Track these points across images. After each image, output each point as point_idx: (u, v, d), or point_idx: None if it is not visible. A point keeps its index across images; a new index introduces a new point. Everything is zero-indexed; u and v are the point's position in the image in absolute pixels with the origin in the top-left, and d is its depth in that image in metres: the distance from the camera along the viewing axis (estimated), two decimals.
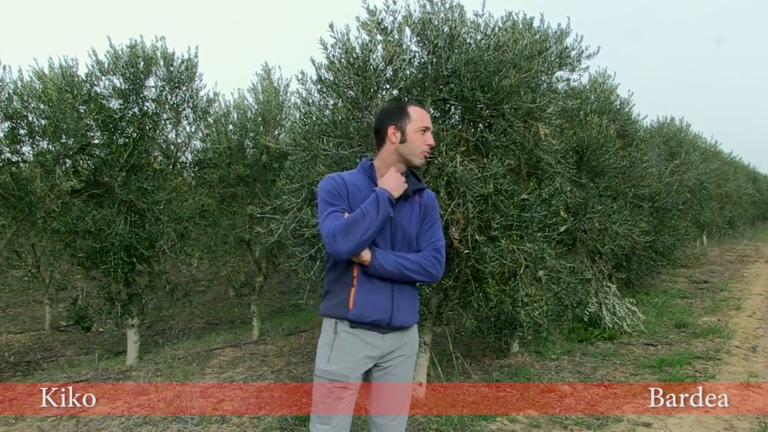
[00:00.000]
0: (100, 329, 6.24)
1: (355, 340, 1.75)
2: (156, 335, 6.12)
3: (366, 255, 1.71)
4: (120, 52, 4.39)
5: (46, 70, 4.21)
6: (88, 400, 3.74)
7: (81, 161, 4.28)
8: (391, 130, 1.81)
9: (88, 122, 4.14)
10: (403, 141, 1.80)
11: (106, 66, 4.36)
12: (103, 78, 4.39)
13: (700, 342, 4.98)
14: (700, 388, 3.72)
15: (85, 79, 4.29)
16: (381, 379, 1.83)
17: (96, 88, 4.36)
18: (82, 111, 4.14)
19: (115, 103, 4.44)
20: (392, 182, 1.77)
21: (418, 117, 1.82)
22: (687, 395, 3.58)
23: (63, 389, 3.94)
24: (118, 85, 4.43)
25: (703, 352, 4.61)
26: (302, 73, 3.13)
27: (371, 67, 2.95)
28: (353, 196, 1.77)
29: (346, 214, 1.72)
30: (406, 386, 1.86)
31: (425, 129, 1.82)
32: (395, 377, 1.83)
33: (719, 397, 3.55)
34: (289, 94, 5.44)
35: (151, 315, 6.52)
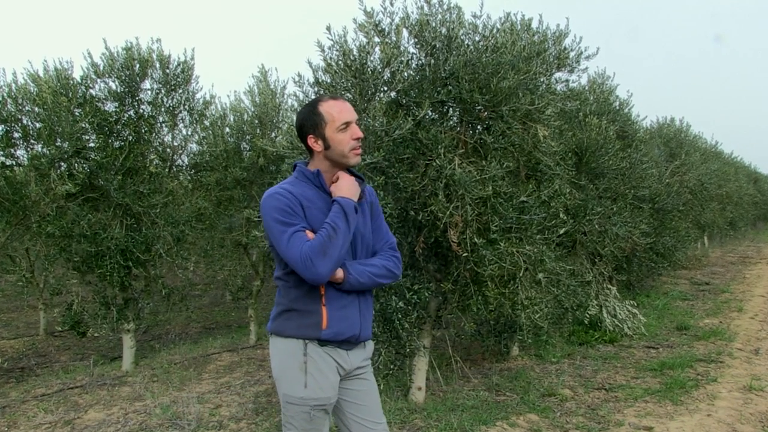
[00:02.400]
0: (96, 334, 6.21)
1: (327, 358, 1.67)
2: (152, 340, 6.10)
3: (339, 272, 1.62)
4: (116, 55, 4.39)
5: (41, 73, 4.21)
6: (84, 407, 3.73)
7: (76, 165, 4.28)
8: (311, 140, 1.67)
9: (84, 125, 4.14)
10: (327, 147, 1.66)
11: (101, 68, 4.37)
12: (99, 80, 4.40)
13: (701, 344, 4.98)
14: (702, 391, 3.73)
15: (80, 81, 4.30)
16: (354, 386, 1.76)
17: (91, 90, 4.37)
18: (77, 114, 4.14)
19: (110, 106, 4.45)
20: (349, 188, 1.65)
21: (335, 114, 1.65)
22: (689, 399, 3.59)
23: (58, 396, 3.93)
24: (114, 87, 4.43)
25: (705, 355, 4.62)
26: (299, 75, 3.14)
27: (369, 69, 2.96)
28: (308, 210, 1.62)
29: (309, 233, 1.59)
30: (376, 390, 1.83)
31: (346, 124, 1.65)
32: (369, 381, 1.79)
33: (721, 400, 3.56)
34: (285, 96, 5.45)
35: (147, 320, 6.51)
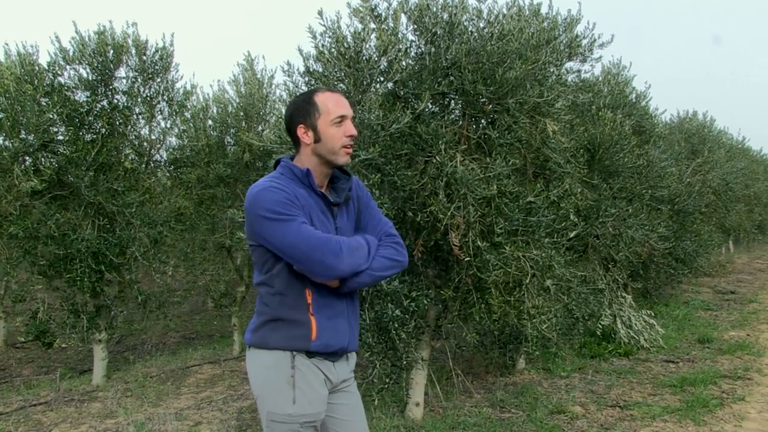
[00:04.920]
0: (63, 345, 6.23)
1: (315, 371, 1.68)
2: (126, 351, 6.11)
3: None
4: (87, 39, 4.41)
5: (2, 58, 4.23)
6: (48, 426, 3.74)
7: (43, 159, 4.29)
8: (300, 131, 1.68)
9: (51, 116, 4.15)
10: (317, 140, 1.67)
11: (71, 54, 4.38)
12: (68, 67, 4.41)
13: (726, 359, 5.00)
14: (728, 411, 3.74)
15: (47, 68, 4.31)
16: (340, 401, 1.77)
17: (60, 78, 4.39)
18: (43, 104, 4.15)
19: (81, 96, 4.46)
20: None
21: (331, 106, 1.66)
22: (713, 419, 3.61)
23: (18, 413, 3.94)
24: (85, 75, 4.45)
25: (731, 371, 4.63)
26: (288, 63, 3.17)
27: (364, 57, 2.99)
28: (302, 209, 1.63)
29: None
30: (362, 404, 1.85)
31: (341, 118, 1.67)
32: (354, 395, 1.81)
33: (750, 421, 3.56)
34: (274, 86, 5.48)
35: (121, 329, 6.51)
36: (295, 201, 1.61)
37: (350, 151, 1.72)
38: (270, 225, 1.59)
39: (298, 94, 3.21)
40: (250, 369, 1.73)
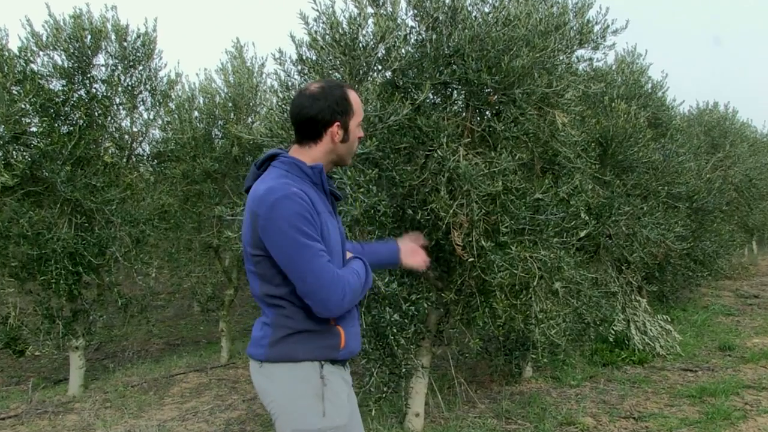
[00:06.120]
0: (37, 353, 6.22)
1: (339, 380, 1.74)
2: (105, 359, 6.12)
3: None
4: (62, 23, 4.41)
5: None
6: None
7: (14, 152, 4.30)
8: (335, 128, 1.70)
9: (23, 106, 4.16)
10: (345, 140, 1.73)
11: (44, 39, 4.38)
12: (41, 54, 4.42)
13: (749, 368, 5.01)
14: (752, 424, 3.75)
15: (17, 54, 4.30)
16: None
17: (32, 65, 4.39)
18: (14, 92, 4.16)
19: (56, 84, 4.47)
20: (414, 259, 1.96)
21: (358, 108, 1.75)
22: None
23: None
24: (60, 62, 4.46)
25: (755, 381, 4.64)
26: (280, 51, 3.18)
27: (360, 44, 3.01)
28: (320, 216, 1.66)
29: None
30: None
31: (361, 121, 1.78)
32: (354, 398, 1.85)
33: None
34: (264, 75, 5.50)
35: (100, 335, 6.52)
36: (314, 217, 1.62)
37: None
38: (285, 241, 1.59)
39: (292, 85, 3.24)
40: (269, 386, 1.71)
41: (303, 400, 1.67)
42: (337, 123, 1.70)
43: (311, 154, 1.72)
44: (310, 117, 1.69)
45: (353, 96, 1.74)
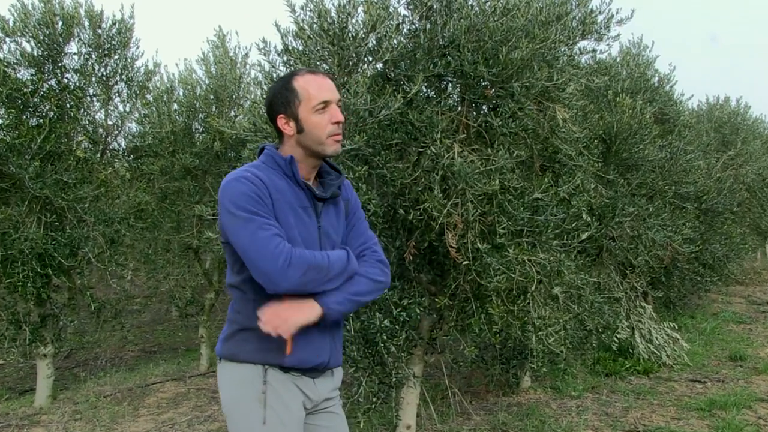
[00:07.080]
0: (1, 361, 6.19)
1: (291, 387, 1.71)
2: (76, 367, 6.10)
3: (313, 310, 1.64)
4: (30, 8, 4.40)
5: None
6: None
7: None
8: (281, 121, 1.73)
9: None
10: (300, 131, 1.71)
11: (11, 25, 4.37)
12: (8, 40, 4.40)
13: (762, 380, 5.03)
14: None
15: None
16: (322, 422, 1.80)
17: None
18: None
19: (24, 74, 4.45)
20: (296, 312, 1.64)
21: (312, 91, 1.69)
22: None
23: None
24: (29, 50, 4.44)
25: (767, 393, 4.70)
26: (264, 41, 3.18)
27: (350, 34, 3.01)
28: (277, 203, 1.66)
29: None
30: (347, 427, 1.88)
31: (324, 104, 1.70)
32: (338, 415, 1.85)
33: None
34: (248, 66, 5.50)
35: (71, 342, 6.50)
36: (263, 197, 1.64)
37: (339, 138, 1.74)
38: (230, 220, 1.64)
39: (277, 77, 3.24)
40: (220, 383, 1.77)
41: (245, 403, 1.69)
42: (281, 116, 1.73)
43: (283, 148, 1.78)
44: (267, 116, 1.79)
45: (301, 81, 1.72)
